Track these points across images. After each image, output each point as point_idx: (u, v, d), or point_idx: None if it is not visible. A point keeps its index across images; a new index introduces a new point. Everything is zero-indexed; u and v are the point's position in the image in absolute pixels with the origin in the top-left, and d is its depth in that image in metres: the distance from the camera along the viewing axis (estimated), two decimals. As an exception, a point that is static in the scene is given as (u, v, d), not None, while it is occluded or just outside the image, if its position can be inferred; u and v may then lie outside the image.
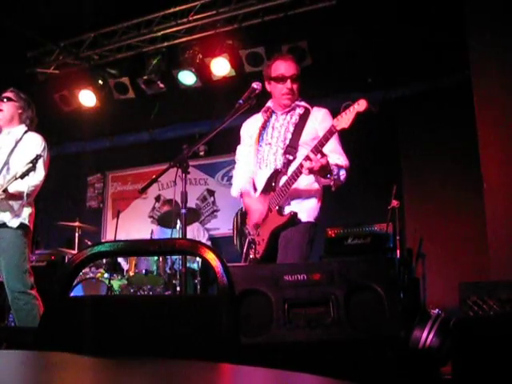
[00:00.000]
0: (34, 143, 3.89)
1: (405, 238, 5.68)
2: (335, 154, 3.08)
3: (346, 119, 2.78)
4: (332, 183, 3.01)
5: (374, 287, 2.26)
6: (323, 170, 2.88)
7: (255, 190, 3.29)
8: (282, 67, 3.20)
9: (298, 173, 2.95)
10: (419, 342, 3.15)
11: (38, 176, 3.78)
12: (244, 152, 3.43)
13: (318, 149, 2.86)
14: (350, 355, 2.20)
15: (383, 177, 5.80)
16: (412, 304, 4.98)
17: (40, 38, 6.41)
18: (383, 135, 6.27)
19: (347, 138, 3.19)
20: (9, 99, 3.99)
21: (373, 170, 6.03)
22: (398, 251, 4.91)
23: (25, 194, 3.74)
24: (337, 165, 3.00)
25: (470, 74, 4.46)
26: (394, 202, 4.85)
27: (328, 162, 2.87)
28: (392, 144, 6.31)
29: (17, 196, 3.73)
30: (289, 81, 3.18)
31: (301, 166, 2.89)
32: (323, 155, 2.86)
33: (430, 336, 3.15)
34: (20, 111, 4.02)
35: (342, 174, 3.04)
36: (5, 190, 3.63)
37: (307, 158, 2.85)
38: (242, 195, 3.30)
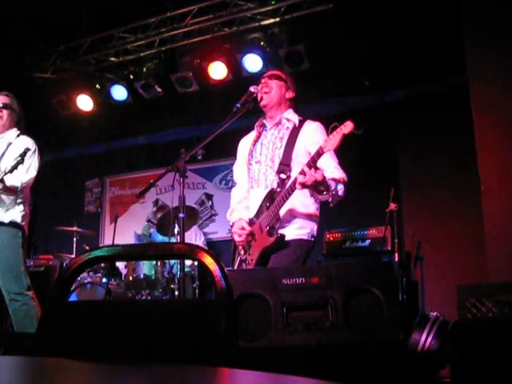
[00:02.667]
0: (25, 146, 3.86)
1: (403, 240, 5.68)
2: (330, 168, 3.00)
3: (333, 141, 2.72)
4: (330, 199, 2.92)
5: (372, 290, 2.25)
6: (318, 185, 2.80)
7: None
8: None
9: (290, 190, 2.88)
10: (418, 345, 3.14)
11: (30, 173, 3.79)
12: (238, 172, 3.43)
13: (310, 164, 2.77)
14: (349, 358, 2.19)
15: (381, 180, 5.80)
16: (410, 307, 4.98)
17: (37, 42, 6.41)
18: (381, 138, 6.28)
19: (344, 142, 3.18)
20: (6, 106, 3.97)
21: (370, 173, 6.03)
22: (397, 254, 4.91)
23: (18, 190, 3.73)
24: (334, 179, 2.91)
25: (467, 76, 4.47)
26: (392, 205, 4.85)
27: (324, 176, 2.78)
28: (389, 147, 6.31)
29: (11, 190, 3.70)
30: (266, 78, 3.26)
31: (295, 180, 2.82)
32: (317, 170, 2.78)
33: (429, 339, 3.15)
34: (15, 115, 4.01)
35: (341, 188, 2.95)
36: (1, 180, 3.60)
37: (302, 172, 2.77)
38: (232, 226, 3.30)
